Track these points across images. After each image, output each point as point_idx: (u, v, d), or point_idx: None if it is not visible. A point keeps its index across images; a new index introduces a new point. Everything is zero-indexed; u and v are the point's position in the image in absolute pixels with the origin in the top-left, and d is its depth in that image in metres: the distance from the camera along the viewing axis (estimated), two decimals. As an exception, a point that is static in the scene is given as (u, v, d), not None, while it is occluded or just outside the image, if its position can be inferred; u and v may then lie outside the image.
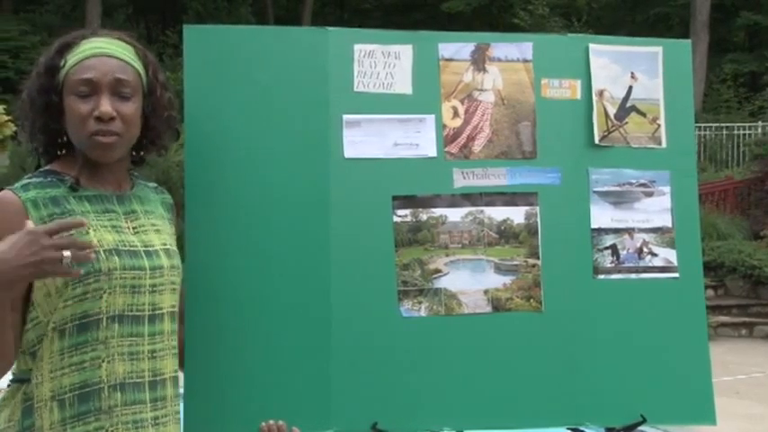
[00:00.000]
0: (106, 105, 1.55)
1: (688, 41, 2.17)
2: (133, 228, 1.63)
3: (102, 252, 1.54)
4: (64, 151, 1.64)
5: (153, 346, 1.60)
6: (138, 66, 1.63)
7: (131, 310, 1.57)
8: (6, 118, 11.54)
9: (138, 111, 1.61)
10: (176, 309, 1.67)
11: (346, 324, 1.86)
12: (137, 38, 1.69)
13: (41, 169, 1.62)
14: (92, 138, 1.56)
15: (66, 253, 1.37)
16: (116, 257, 1.55)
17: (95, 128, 1.55)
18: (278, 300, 1.85)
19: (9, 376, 1.59)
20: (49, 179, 1.59)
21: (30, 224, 1.40)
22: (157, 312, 1.61)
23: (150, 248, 1.62)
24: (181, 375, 1.81)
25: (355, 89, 1.93)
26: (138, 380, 1.58)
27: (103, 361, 1.54)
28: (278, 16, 20.84)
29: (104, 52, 1.59)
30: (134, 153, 1.70)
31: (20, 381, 1.56)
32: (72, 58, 1.58)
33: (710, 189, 12.19)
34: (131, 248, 1.59)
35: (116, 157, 1.62)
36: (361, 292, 1.88)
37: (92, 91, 1.56)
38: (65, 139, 1.62)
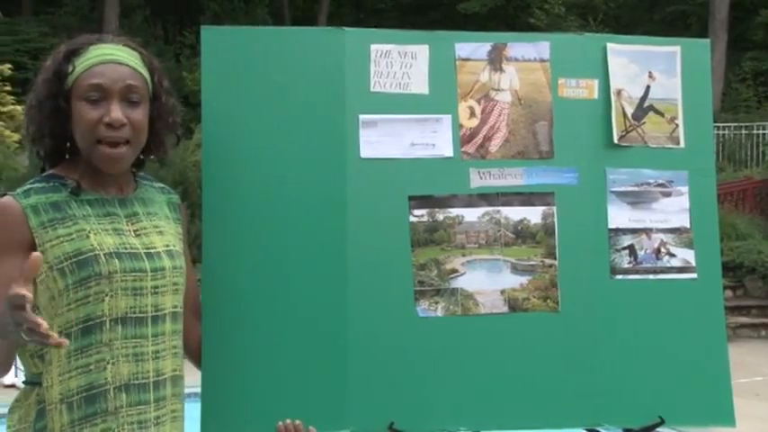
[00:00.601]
0: (117, 112, 1.56)
1: (706, 40, 2.16)
2: (135, 230, 1.64)
3: (102, 255, 1.55)
4: (68, 156, 1.65)
5: (156, 346, 1.61)
6: (145, 72, 1.64)
7: (134, 312, 1.58)
8: (26, 118, 11.62)
9: (147, 117, 1.63)
10: (178, 309, 1.68)
11: (363, 324, 1.86)
12: (142, 42, 1.70)
13: (44, 174, 1.64)
14: (100, 146, 1.57)
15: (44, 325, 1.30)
16: (116, 260, 1.56)
17: (104, 134, 1.56)
18: (294, 300, 1.85)
19: (21, 377, 1.61)
20: (52, 183, 1.60)
21: (12, 291, 1.32)
22: (160, 313, 1.62)
23: (152, 250, 1.63)
24: (199, 375, 1.82)
25: (372, 89, 1.93)
26: (143, 380, 1.59)
27: (108, 363, 1.55)
28: (294, 17, 20.89)
29: (114, 59, 1.60)
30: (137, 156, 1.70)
31: (32, 383, 1.58)
32: (81, 63, 1.59)
33: (729, 189, 12.09)
34: (132, 251, 1.60)
35: (124, 168, 1.64)
36: (378, 292, 1.88)
37: (102, 97, 1.57)
38: (69, 144, 1.63)
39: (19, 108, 11.77)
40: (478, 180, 1.95)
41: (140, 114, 1.61)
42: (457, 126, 1.95)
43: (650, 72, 2.03)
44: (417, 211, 1.92)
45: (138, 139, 1.62)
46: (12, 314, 1.30)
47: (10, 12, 17.57)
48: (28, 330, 1.29)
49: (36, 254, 1.35)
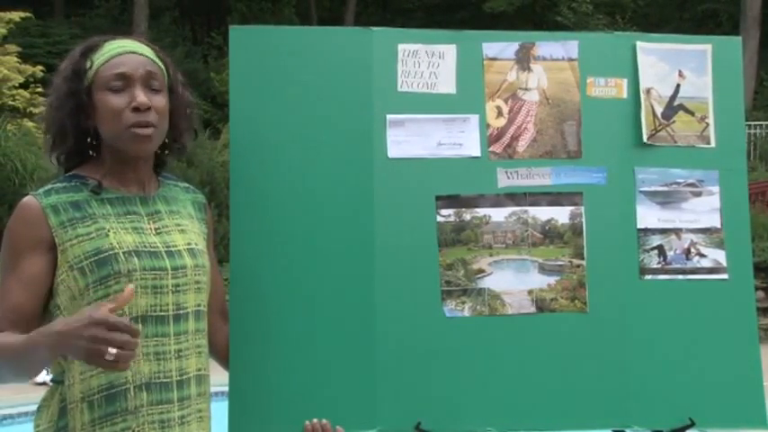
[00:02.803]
0: (142, 96, 1.58)
1: (738, 38, 2.14)
2: (155, 229, 1.64)
3: (121, 254, 1.55)
4: (92, 153, 1.66)
5: (179, 345, 1.61)
6: (160, 63, 1.66)
7: (155, 311, 1.58)
8: (57, 120, 11.77)
9: (167, 105, 1.64)
10: (202, 308, 1.67)
11: (390, 323, 1.86)
12: (169, 43, 1.73)
13: (67, 174, 1.65)
14: (129, 130, 1.58)
15: (113, 350, 1.34)
16: (135, 259, 1.56)
17: (133, 119, 1.58)
18: (322, 299, 1.86)
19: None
20: (73, 183, 1.62)
21: (101, 311, 1.37)
22: (182, 312, 1.62)
23: (172, 248, 1.63)
24: (225, 374, 1.83)
25: (399, 89, 1.93)
26: (166, 380, 1.59)
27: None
28: (321, 17, 20.96)
29: (130, 50, 1.63)
30: (158, 152, 1.72)
31: (57, 382, 1.59)
32: (99, 58, 1.61)
33: (761, 188, 11.92)
34: (152, 249, 1.60)
35: (151, 150, 1.64)
36: (405, 292, 1.88)
37: (125, 85, 1.59)
38: (94, 141, 1.63)
39: (50, 109, 11.89)
40: (506, 180, 1.94)
41: (162, 101, 1.62)
42: (484, 126, 1.95)
43: (680, 71, 2.01)
44: (444, 211, 1.92)
45: (162, 125, 1.63)
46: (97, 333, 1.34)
47: (42, 14, 17.83)
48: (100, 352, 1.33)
49: (130, 286, 1.41)
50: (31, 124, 10.88)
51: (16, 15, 12.34)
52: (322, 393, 1.83)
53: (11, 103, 11.43)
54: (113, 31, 1.76)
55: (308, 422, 1.78)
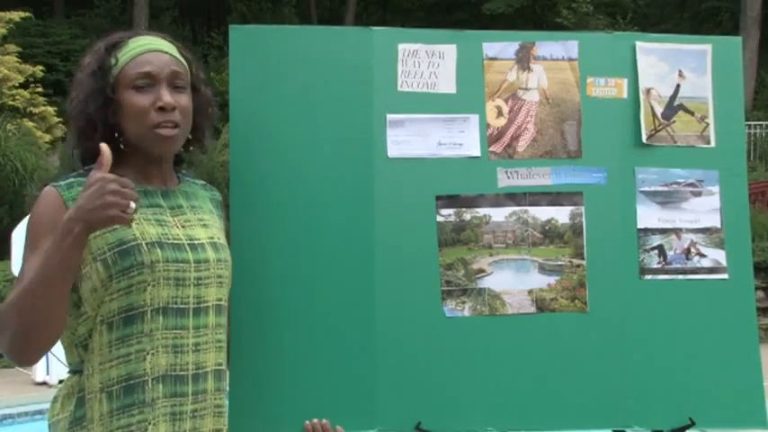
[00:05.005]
0: (168, 96, 1.59)
1: (738, 38, 2.14)
2: (178, 222, 1.64)
3: (144, 245, 1.56)
4: (123, 148, 1.64)
5: (197, 339, 1.61)
6: (184, 61, 1.67)
7: (176, 303, 1.58)
8: (57, 120, 11.84)
9: (191, 104, 1.65)
10: (223, 302, 1.67)
11: (390, 323, 1.86)
12: (181, 39, 1.73)
13: (85, 168, 1.64)
14: (154, 130, 1.59)
15: (133, 204, 1.42)
16: (158, 250, 1.56)
17: (158, 119, 1.58)
18: (323, 299, 1.86)
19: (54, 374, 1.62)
20: None
21: (102, 171, 1.45)
22: (202, 305, 1.62)
23: (195, 242, 1.63)
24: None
25: (399, 89, 1.93)
26: (182, 372, 1.59)
27: (148, 353, 1.55)
28: (321, 17, 20.96)
29: (156, 48, 1.64)
30: (180, 149, 1.72)
31: (75, 372, 1.59)
32: (124, 55, 1.62)
33: (761, 188, 11.91)
34: (175, 241, 1.60)
35: (175, 150, 1.66)
36: (405, 292, 1.88)
37: (150, 84, 1.60)
38: (120, 137, 1.63)
39: (50, 109, 11.95)
40: (506, 180, 1.94)
41: (186, 100, 1.64)
42: (484, 125, 1.95)
43: (680, 71, 2.01)
44: (444, 211, 1.92)
45: (186, 125, 1.64)
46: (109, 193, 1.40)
47: (41, 14, 17.84)
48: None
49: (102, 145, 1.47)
50: (31, 124, 10.89)
51: (16, 15, 12.35)
52: (322, 393, 1.84)
53: (11, 103, 11.44)
54: (115, 31, 1.75)
55: (307, 422, 1.78)
